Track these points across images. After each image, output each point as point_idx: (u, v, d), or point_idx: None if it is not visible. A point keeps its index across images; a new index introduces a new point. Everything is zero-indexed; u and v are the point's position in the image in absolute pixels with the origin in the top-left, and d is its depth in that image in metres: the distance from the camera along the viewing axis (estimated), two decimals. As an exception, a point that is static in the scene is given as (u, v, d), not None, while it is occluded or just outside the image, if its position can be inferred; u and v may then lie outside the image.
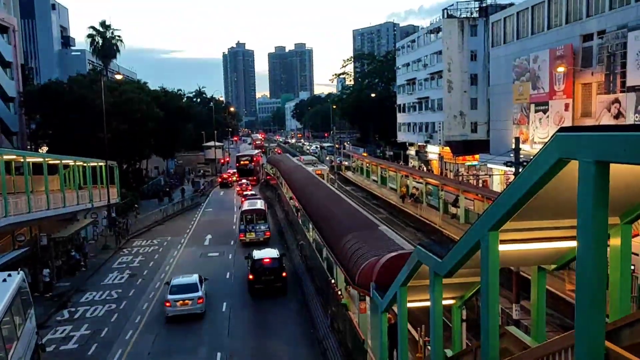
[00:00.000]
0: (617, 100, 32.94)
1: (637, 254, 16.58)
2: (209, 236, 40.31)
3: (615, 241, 6.60)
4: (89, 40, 69.64)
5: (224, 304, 24.89)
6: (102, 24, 69.86)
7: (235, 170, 78.50)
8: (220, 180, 74.57)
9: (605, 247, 4.68)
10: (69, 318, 23.96)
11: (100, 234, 39.81)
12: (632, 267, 17.20)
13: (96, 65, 74.89)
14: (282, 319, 22.85)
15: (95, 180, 38.62)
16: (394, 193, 53.19)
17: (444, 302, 10.13)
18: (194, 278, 24.96)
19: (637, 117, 30.84)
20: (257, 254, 27.33)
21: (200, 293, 23.77)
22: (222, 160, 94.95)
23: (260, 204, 40.56)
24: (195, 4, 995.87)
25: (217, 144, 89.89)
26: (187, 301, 23.26)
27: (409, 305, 11.41)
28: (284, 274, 26.40)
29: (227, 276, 29.69)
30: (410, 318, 12.71)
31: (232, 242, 37.86)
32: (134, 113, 52.36)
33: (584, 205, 4.67)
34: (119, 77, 55.98)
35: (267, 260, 26.37)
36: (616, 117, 32.96)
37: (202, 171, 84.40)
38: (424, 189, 44.77)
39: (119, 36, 70.85)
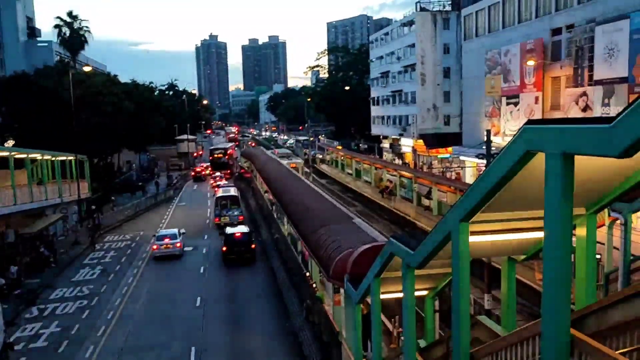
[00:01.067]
0: (584, 94, 33.64)
1: (602, 244, 16.99)
2: (182, 231, 39.87)
3: (581, 231, 6.76)
4: (56, 31, 67.98)
5: (198, 298, 24.72)
6: (69, 14, 68.23)
7: (208, 164, 78.01)
8: (193, 174, 73.94)
9: (570, 237, 4.78)
10: (38, 315, 23.48)
11: (71, 230, 39.08)
12: (599, 257, 17.63)
13: (64, 57, 73.20)
14: (257, 313, 22.80)
15: (65, 175, 37.86)
16: (368, 186, 53.43)
17: (417, 293, 10.24)
18: (175, 230, 34.35)
19: (604, 109, 31.53)
20: (230, 229, 31.52)
21: (179, 240, 32.64)
22: (195, 154, 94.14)
23: (233, 191, 43.79)
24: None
25: (190, 137, 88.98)
26: (169, 245, 32.14)
27: (383, 296, 11.50)
28: (253, 246, 30.41)
29: (201, 271, 29.49)
30: (384, 309, 12.83)
31: (205, 237, 37.59)
32: (104, 106, 51.42)
33: (550, 196, 4.76)
34: (87, 69, 54.79)
35: (239, 234, 30.43)
36: (584, 109, 33.66)
37: (179, 166, 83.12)
38: (398, 182, 45.09)
39: (86, 27, 69.29)
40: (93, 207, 42.26)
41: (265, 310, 23.09)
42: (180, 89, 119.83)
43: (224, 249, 30.27)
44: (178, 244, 32.29)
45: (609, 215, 16.95)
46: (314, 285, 20.45)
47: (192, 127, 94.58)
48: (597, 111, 32.02)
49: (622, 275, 15.30)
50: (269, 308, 23.36)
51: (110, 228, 41.90)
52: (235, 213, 39.35)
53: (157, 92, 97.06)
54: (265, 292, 25.43)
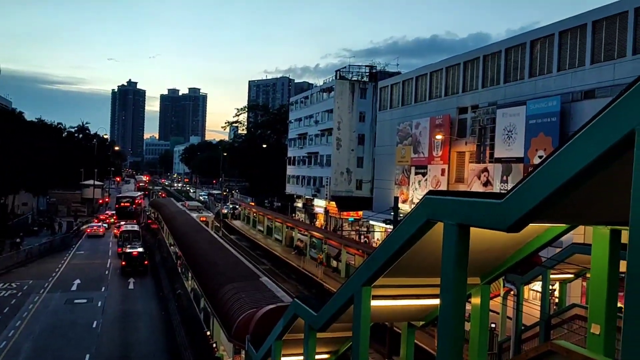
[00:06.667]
0: (486, 169, 36.00)
1: (497, 313, 17.77)
2: (78, 281, 37.39)
3: (475, 300, 7.05)
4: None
5: (87, 356, 22.91)
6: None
7: (114, 212, 74.99)
8: (96, 221, 70.36)
9: (464, 305, 4.96)
10: None
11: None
12: (493, 326, 18.39)
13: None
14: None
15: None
16: (279, 244, 53.20)
17: (319, 357, 10.10)
18: (101, 223, 62.43)
19: (502, 186, 33.82)
20: (129, 249, 41.37)
21: (102, 227, 60.41)
22: (101, 201, 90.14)
23: (136, 227, 53.47)
24: (85, 38, 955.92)
25: (96, 183, 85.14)
26: (96, 229, 59.52)
27: (284, 359, 11.23)
28: (145, 262, 40.57)
29: (94, 325, 27.50)
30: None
31: (103, 289, 35.39)
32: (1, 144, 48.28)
33: (446, 264, 4.95)
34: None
35: (135, 253, 40.56)
36: (485, 184, 35.92)
37: (82, 213, 79.25)
38: (309, 242, 45.25)
39: (-6, 61, 65.70)
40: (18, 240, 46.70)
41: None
42: (92, 133, 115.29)
43: (123, 263, 39.80)
44: (101, 230, 59.76)
45: (504, 286, 17.86)
46: (214, 345, 19.65)
47: (100, 172, 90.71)
48: (497, 187, 34.26)
49: (514, 344, 16.00)
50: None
51: (-5, 275, 38.43)
52: (136, 245, 44.41)
53: (66, 133, 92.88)
54: (162, 351, 24.06)
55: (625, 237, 3.68)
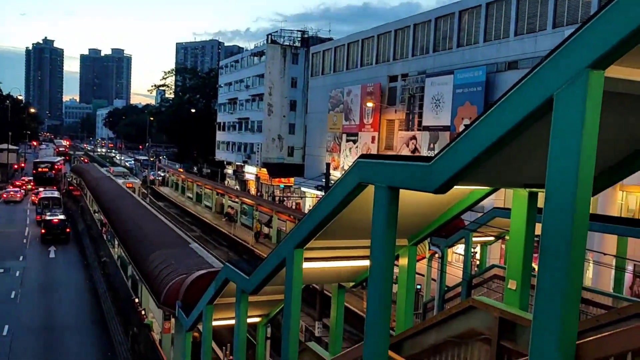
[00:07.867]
0: (414, 137, 36.95)
1: (422, 275, 18.55)
2: (23, 190, 35.68)
3: (403, 261, 7.32)
4: None
5: (6, 327, 21.97)
6: None
7: (31, 178, 71.38)
8: (11, 188, 66.61)
9: (392, 266, 5.14)
10: None
11: None
12: (419, 287, 19.22)
13: None
14: (76, 344, 20.89)
15: None
16: (209, 211, 52.62)
17: (251, 320, 10.20)
18: (18, 189, 58.98)
19: (429, 153, 34.88)
20: (49, 217, 39.66)
21: (20, 192, 57.74)
22: (16, 166, 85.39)
23: (56, 194, 52.14)
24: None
25: (11, 147, 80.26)
26: (13, 194, 56.27)
27: (215, 323, 11.26)
28: (67, 230, 38.94)
29: (12, 296, 26.31)
30: (215, 337, 12.55)
31: (21, 258, 33.79)
32: None
33: (376, 226, 5.09)
34: None
35: (56, 220, 38.86)
36: (413, 152, 36.91)
37: None
38: (239, 208, 45.07)
39: None
40: None
41: (86, 341, 21.26)
42: (4, 94, 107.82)
43: (43, 231, 37.96)
44: (19, 195, 57.23)
45: (429, 249, 18.63)
46: (143, 312, 19.36)
47: (15, 136, 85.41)
48: (424, 154, 35.31)
49: (437, 304, 16.82)
50: (90, 338, 21.56)
51: None
52: (57, 212, 42.58)
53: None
54: (87, 320, 23.47)
55: (541, 202, 3.92)
